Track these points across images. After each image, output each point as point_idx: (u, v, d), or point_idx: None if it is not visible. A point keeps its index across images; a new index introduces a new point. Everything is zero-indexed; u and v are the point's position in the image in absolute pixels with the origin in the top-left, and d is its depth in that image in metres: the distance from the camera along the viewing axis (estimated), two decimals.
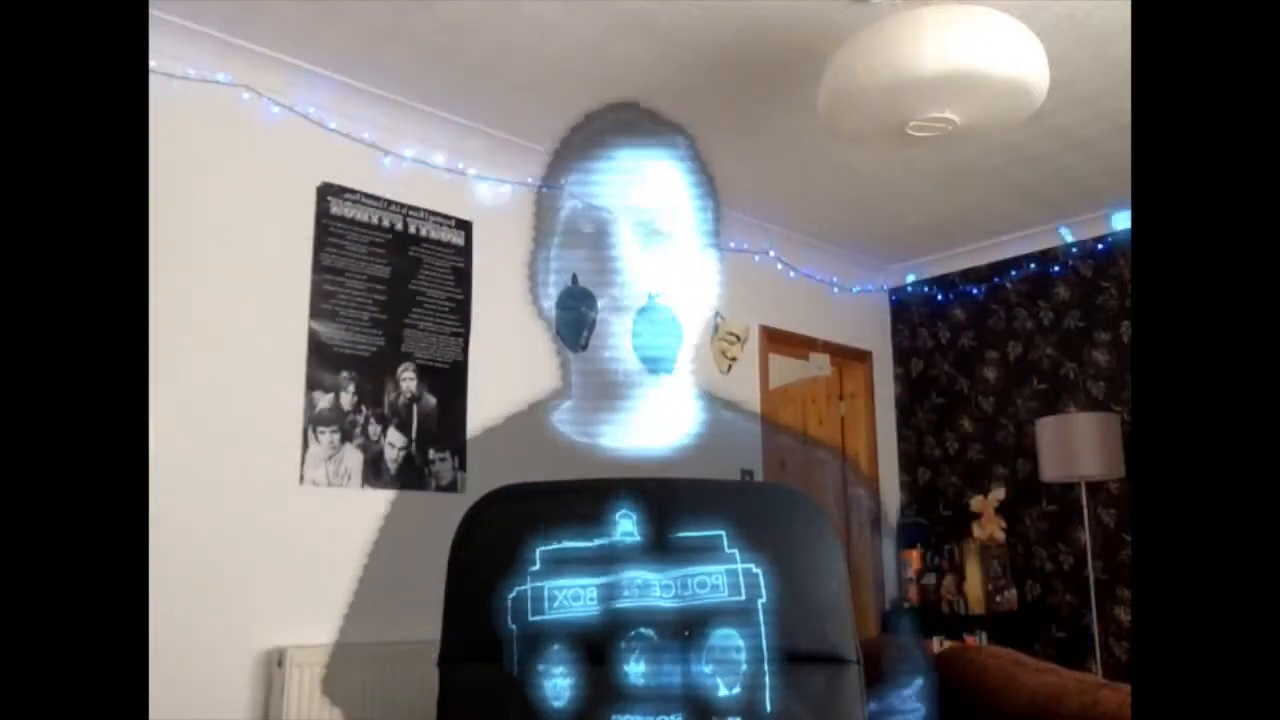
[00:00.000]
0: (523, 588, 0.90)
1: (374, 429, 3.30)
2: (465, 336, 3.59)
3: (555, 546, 0.91)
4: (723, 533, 0.91)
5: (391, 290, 3.42)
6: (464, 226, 3.64)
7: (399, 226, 3.48)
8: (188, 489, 2.82)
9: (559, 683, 0.87)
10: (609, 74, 3.22)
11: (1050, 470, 4.38)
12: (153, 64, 2.81)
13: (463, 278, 3.62)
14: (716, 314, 4.50)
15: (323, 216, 3.29)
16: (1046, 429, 4.41)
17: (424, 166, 3.55)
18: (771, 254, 4.75)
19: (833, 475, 4.44)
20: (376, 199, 3.43)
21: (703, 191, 1.08)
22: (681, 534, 0.92)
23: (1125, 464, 4.26)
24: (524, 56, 3.14)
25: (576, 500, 0.94)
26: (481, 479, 0.99)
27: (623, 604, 0.89)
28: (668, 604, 0.89)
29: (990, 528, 4.81)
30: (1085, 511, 4.40)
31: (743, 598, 0.89)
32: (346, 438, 3.23)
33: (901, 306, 5.46)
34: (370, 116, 3.42)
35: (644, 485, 0.94)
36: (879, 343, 5.42)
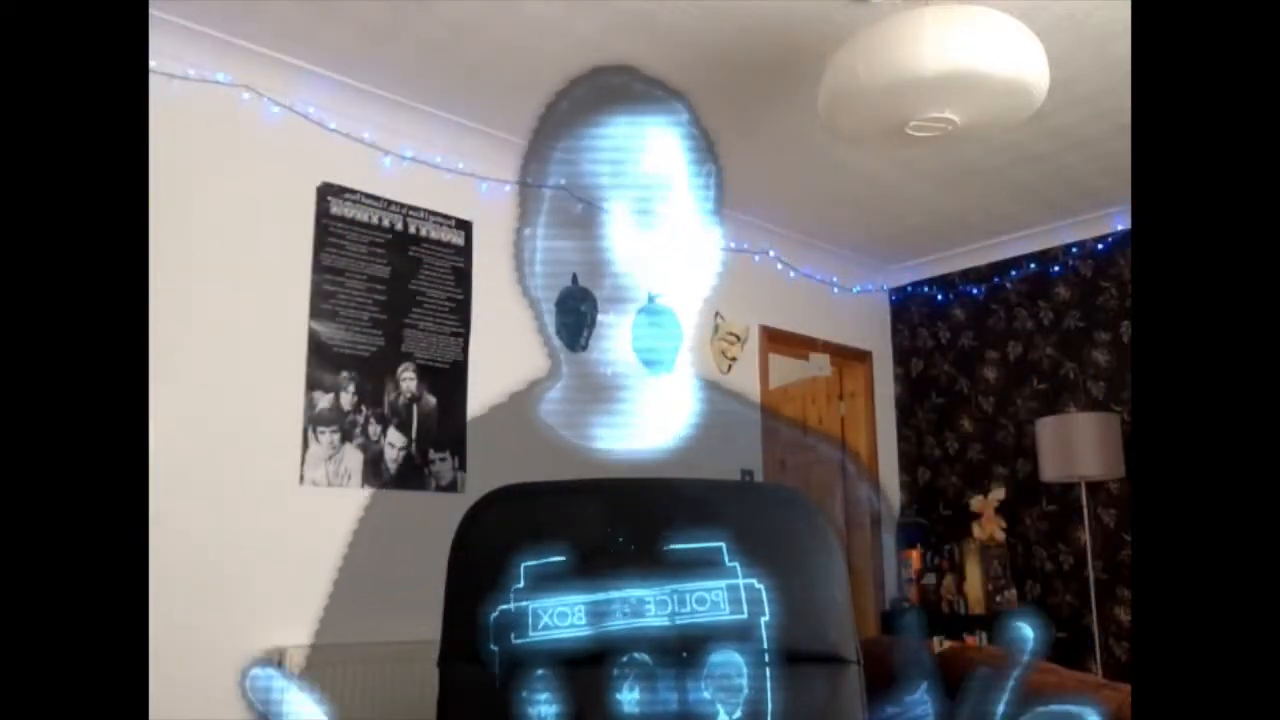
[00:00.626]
0: (506, 607, 0.83)
1: (374, 429, 3.30)
2: (465, 336, 3.59)
3: (543, 561, 0.84)
4: (722, 545, 0.85)
5: (391, 290, 3.42)
6: (464, 226, 3.64)
7: (399, 226, 3.48)
8: (188, 489, 2.82)
9: (543, 710, 0.80)
10: None
11: (1050, 470, 4.38)
12: (153, 64, 2.81)
13: (463, 278, 3.62)
14: (717, 314, 4.47)
15: (323, 216, 3.29)
16: (1046, 429, 4.41)
17: (424, 166, 3.55)
18: (771, 254, 4.75)
19: (834, 472, 4.44)
20: (376, 199, 3.43)
21: (701, 159, 1.00)
22: (678, 546, 0.85)
23: (1125, 464, 4.25)
24: (524, 56, 3.14)
25: (572, 505, 0.89)
26: (481, 479, 0.97)
27: (614, 625, 0.82)
28: (663, 623, 0.83)
29: (990, 528, 4.81)
30: (1085, 511, 4.40)
31: (744, 615, 0.83)
32: (346, 438, 3.23)
33: (901, 306, 5.46)
34: (370, 116, 3.42)
35: (640, 490, 0.90)
36: (879, 343, 5.42)
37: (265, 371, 3.09)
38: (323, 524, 3.06)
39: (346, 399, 3.25)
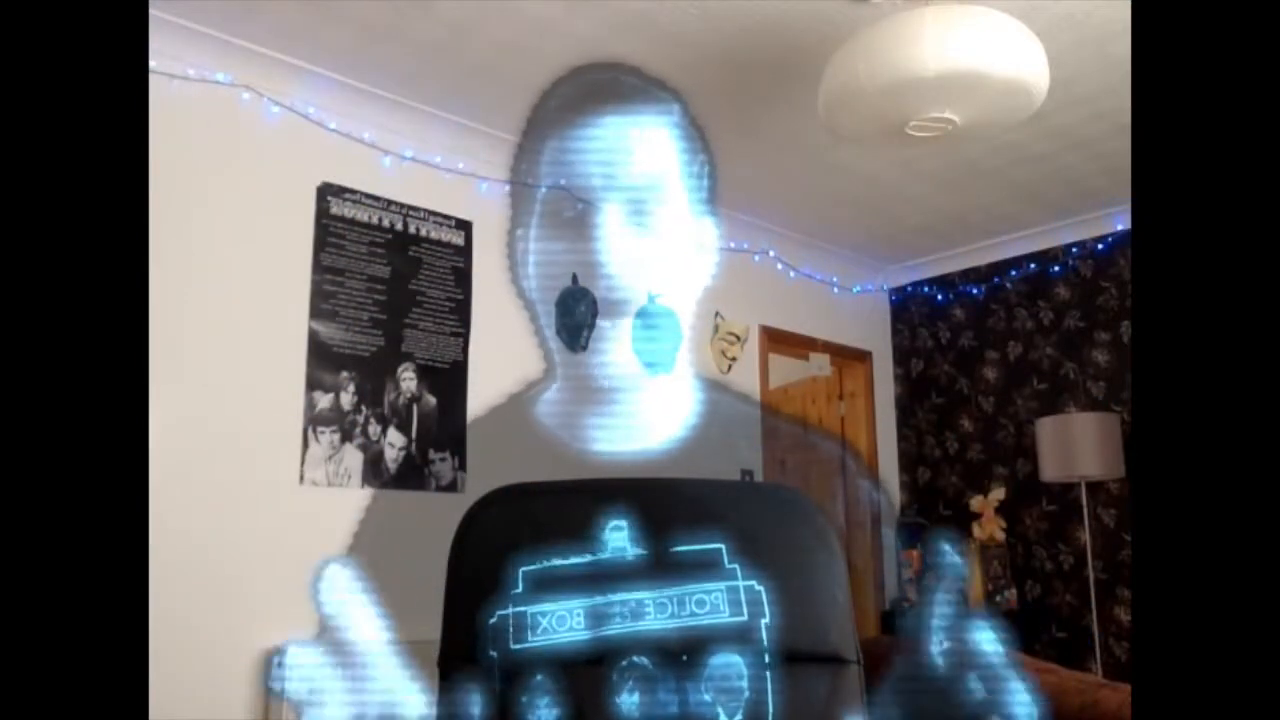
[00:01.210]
0: (504, 611, 0.82)
1: (374, 429, 3.30)
2: (465, 336, 3.59)
3: (541, 565, 0.83)
4: (722, 546, 0.85)
5: (391, 290, 3.42)
6: (464, 226, 3.64)
7: (399, 226, 3.48)
8: (188, 489, 2.82)
9: (542, 715, 0.79)
10: None
11: (1050, 470, 4.38)
12: (153, 64, 2.81)
13: (463, 278, 3.62)
14: (717, 314, 4.47)
15: (323, 216, 3.29)
16: (1046, 429, 4.41)
17: (424, 166, 3.55)
18: (771, 254, 4.75)
19: (834, 471, 4.44)
20: (376, 199, 3.43)
21: (695, 153, 0.99)
22: (678, 548, 0.85)
23: (1125, 464, 4.26)
24: (524, 56, 3.14)
25: (572, 506, 0.88)
26: (481, 479, 0.97)
27: (614, 628, 0.82)
28: (663, 626, 0.82)
29: (990, 528, 4.81)
30: (1085, 511, 4.40)
31: (744, 617, 0.83)
32: (346, 438, 3.23)
33: (901, 306, 5.46)
34: (370, 116, 3.42)
35: (640, 491, 0.89)
36: (879, 343, 5.42)
37: (265, 371, 3.09)
38: (322, 524, 3.05)
39: (346, 399, 3.25)
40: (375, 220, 3.42)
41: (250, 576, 2.93)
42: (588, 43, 3.06)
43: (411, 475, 3.36)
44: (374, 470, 3.27)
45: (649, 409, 0.99)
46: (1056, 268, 4.82)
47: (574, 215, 0.94)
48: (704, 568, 0.84)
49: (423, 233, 3.54)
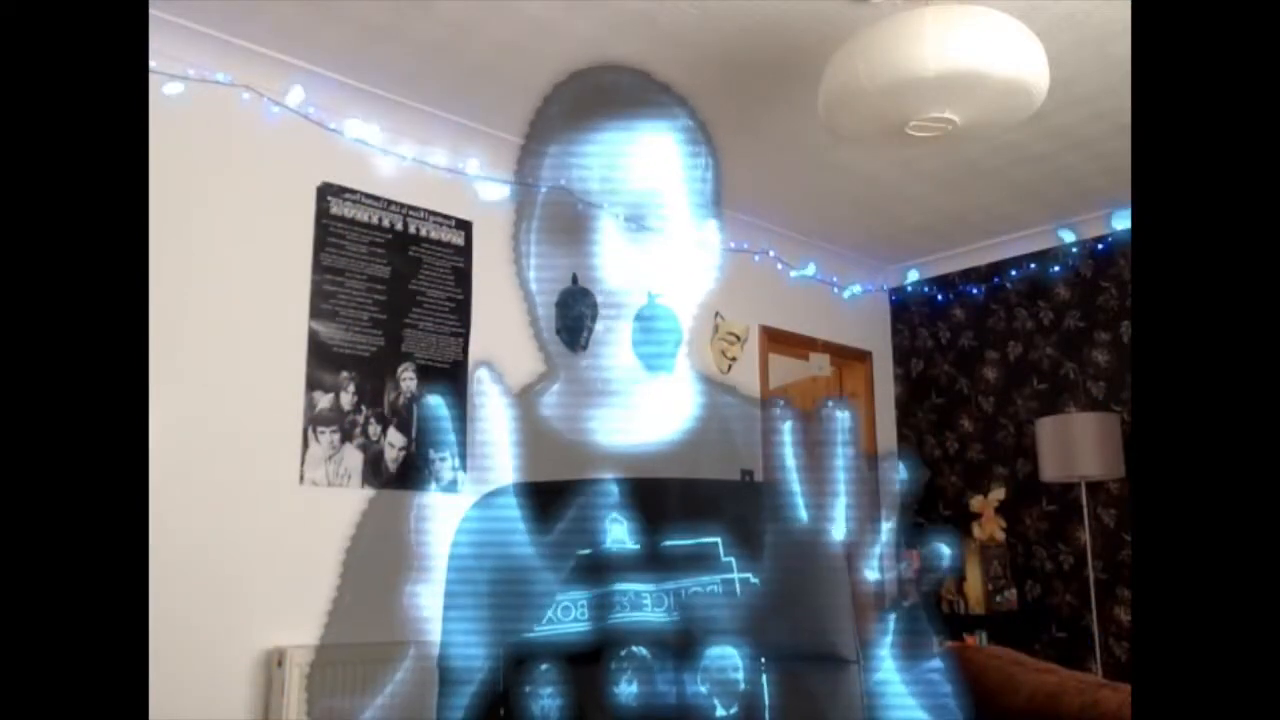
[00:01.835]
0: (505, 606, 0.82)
1: (374, 429, 3.30)
2: (465, 336, 3.59)
3: (542, 560, 0.83)
4: (718, 539, 0.86)
5: (391, 290, 3.42)
6: (464, 226, 3.64)
7: (399, 226, 3.48)
8: (187, 489, 2.82)
9: (546, 704, 0.80)
10: None
11: (1050, 470, 4.38)
12: (153, 64, 2.81)
13: (463, 278, 3.62)
14: (716, 314, 4.46)
15: (323, 216, 3.29)
16: (1046, 429, 4.41)
17: (424, 166, 3.55)
18: (771, 254, 4.75)
19: None
20: (376, 199, 3.43)
21: (700, 154, 0.98)
22: (675, 542, 0.86)
23: (1125, 464, 4.25)
24: (524, 56, 3.14)
25: (571, 503, 0.88)
26: (481, 479, 0.97)
27: (614, 619, 0.83)
28: (661, 618, 0.84)
29: (990, 528, 4.81)
30: (1085, 511, 4.40)
31: (740, 611, 0.84)
32: (346, 438, 3.23)
33: (901, 306, 5.46)
34: (370, 116, 3.42)
35: (637, 487, 0.89)
36: (879, 343, 5.42)
37: (265, 371, 3.09)
38: (322, 524, 3.07)
39: (346, 399, 3.25)
40: (375, 220, 3.42)
41: (250, 576, 2.93)
42: (588, 43, 3.06)
43: (411, 475, 3.36)
44: (374, 470, 3.27)
45: (649, 409, 0.99)
46: (1056, 268, 4.82)
47: (576, 216, 0.94)
48: (700, 560, 0.85)
49: (423, 233, 3.54)
